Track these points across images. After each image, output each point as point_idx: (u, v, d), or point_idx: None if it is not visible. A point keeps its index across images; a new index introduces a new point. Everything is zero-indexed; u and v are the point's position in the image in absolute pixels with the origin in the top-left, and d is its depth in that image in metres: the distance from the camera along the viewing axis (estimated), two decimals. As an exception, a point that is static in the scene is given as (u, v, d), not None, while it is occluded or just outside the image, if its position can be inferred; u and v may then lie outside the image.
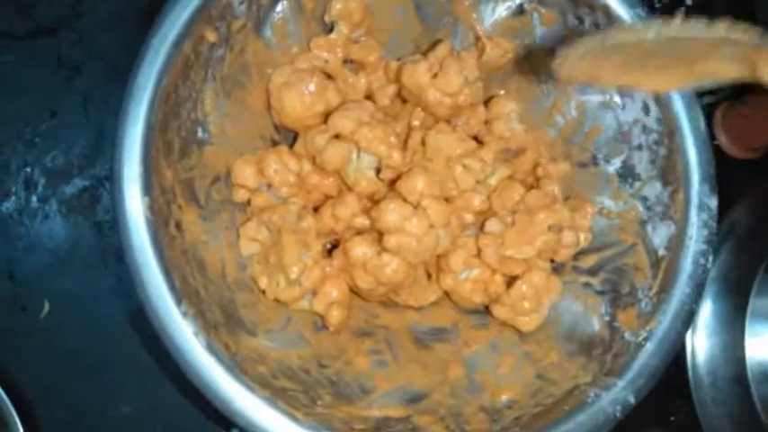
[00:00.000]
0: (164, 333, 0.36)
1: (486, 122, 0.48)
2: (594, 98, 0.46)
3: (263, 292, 0.42)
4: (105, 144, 0.52)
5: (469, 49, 0.47)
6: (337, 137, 0.43)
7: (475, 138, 0.47)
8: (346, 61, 0.46)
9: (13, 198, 0.51)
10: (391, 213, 0.40)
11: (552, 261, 0.46)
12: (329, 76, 0.45)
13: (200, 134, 0.41)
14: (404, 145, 0.45)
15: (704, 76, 0.35)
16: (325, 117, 0.43)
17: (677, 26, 0.34)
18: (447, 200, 0.43)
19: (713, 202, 0.42)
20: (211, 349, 0.36)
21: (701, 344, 0.52)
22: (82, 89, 0.53)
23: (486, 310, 0.46)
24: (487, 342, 0.44)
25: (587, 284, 0.44)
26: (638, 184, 0.44)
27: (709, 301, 0.52)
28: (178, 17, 0.38)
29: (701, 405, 0.51)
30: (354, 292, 0.44)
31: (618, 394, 0.39)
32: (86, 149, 0.52)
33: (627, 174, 0.45)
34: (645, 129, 0.44)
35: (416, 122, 0.47)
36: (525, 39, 0.46)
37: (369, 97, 0.47)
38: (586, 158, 0.47)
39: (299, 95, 0.43)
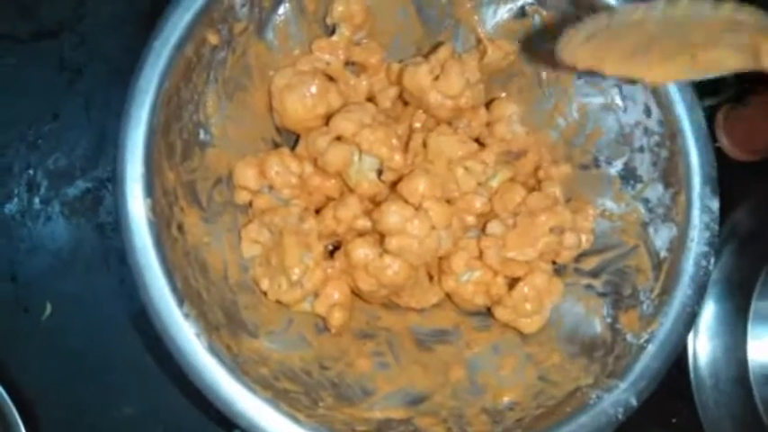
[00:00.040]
0: (165, 334, 0.36)
1: (488, 125, 0.48)
2: (596, 100, 0.46)
3: (265, 293, 0.42)
4: (107, 146, 0.52)
5: (471, 51, 0.47)
6: (339, 139, 0.43)
7: (476, 140, 0.47)
8: (348, 63, 0.47)
9: (16, 200, 0.51)
10: (393, 215, 0.40)
11: (554, 263, 0.46)
12: (331, 79, 0.45)
13: (202, 136, 0.41)
14: (405, 147, 0.45)
15: (708, 65, 0.34)
16: (327, 119, 0.43)
17: (683, 5, 0.34)
18: (448, 202, 0.43)
19: (715, 205, 0.42)
20: (213, 351, 0.36)
21: (702, 346, 0.52)
22: (84, 92, 0.53)
23: (487, 312, 0.46)
24: (489, 344, 0.44)
25: (589, 286, 0.44)
26: (639, 186, 0.45)
27: (711, 303, 0.52)
28: (180, 20, 0.38)
29: (702, 407, 0.51)
30: (356, 293, 0.44)
31: (620, 396, 0.39)
32: (89, 151, 0.52)
33: (628, 176, 0.45)
34: (646, 131, 0.44)
35: (418, 125, 0.47)
36: (527, 41, 0.46)
37: (370, 99, 0.47)
38: (588, 160, 0.47)
39: (300, 98, 0.43)
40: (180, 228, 0.39)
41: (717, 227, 0.42)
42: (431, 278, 0.46)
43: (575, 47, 0.37)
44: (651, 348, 0.40)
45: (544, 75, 0.47)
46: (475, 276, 0.44)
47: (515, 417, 0.40)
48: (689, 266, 0.41)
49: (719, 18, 0.33)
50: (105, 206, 0.52)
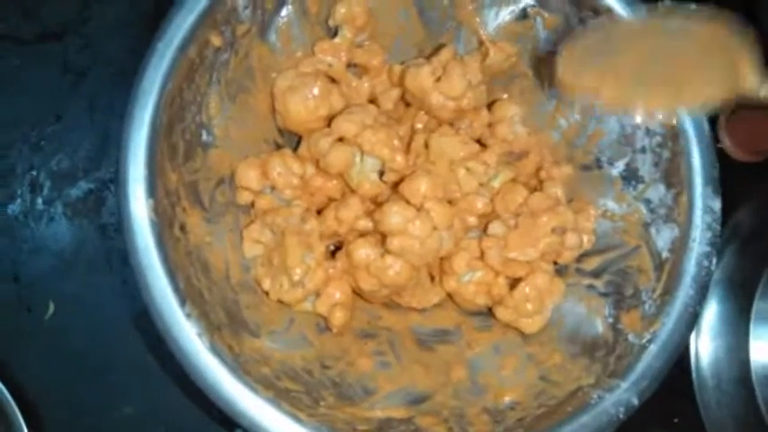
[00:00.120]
0: (167, 334, 0.36)
1: (490, 126, 0.48)
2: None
3: (267, 293, 0.42)
4: (110, 147, 0.52)
5: (473, 53, 0.47)
6: (341, 140, 0.43)
7: (478, 141, 0.47)
8: (350, 65, 0.47)
9: (19, 201, 0.52)
10: (394, 216, 0.40)
11: (555, 263, 0.46)
12: (333, 80, 0.45)
13: (204, 137, 0.41)
14: (407, 148, 0.45)
15: (694, 98, 0.35)
16: (329, 120, 0.44)
17: (663, 11, 0.35)
18: (450, 202, 0.43)
19: (717, 205, 0.42)
20: (215, 350, 0.36)
21: (705, 346, 0.52)
22: (87, 93, 0.53)
23: (489, 312, 0.46)
24: (490, 344, 0.44)
25: (591, 286, 0.44)
26: (641, 186, 0.45)
27: (714, 303, 0.52)
28: (183, 22, 0.38)
29: (704, 407, 0.51)
30: (357, 293, 0.44)
31: (621, 396, 0.39)
32: (91, 153, 0.53)
33: (630, 176, 0.45)
34: (648, 131, 0.44)
35: (419, 126, 0.47)
36: (528, 43, 0.47)
37: (372, 101, 0.47)
38: (590, 161, 0.47)
39: (303, 99, 0.43)
40: (182, 228, 0.39)
41: (719, 227, 0.42)
42: (432, 278, 0.46)
43: (574, 71, 0.38)
44: (653, 348, 0.40)
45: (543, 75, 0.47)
46: (476, 277, 0.44)
47: (516, 416, 0.40)
48: (691, 267, 0.41)
49: (699, 40, 0.34)
50: (108, 207, 0.52)
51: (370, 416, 0.39)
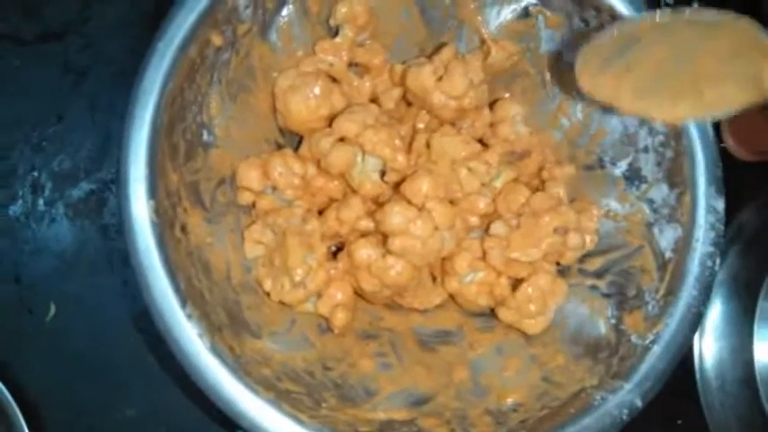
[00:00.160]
0: (168, 335, 0.36)
1: (491, 125, 0.48)
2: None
3: (268, 294, 0.42)
4: (112, 148, 0.52)
5: (474, 52, 0.47)
6: (342, 140, 0.43)
7: (480, 140, 0.47)
8: (351, 65, 0.47)
9: (20, 201, 0.52)
10: (396, 216, 0.40)
11: (558, 264, 0.46)
12: (334, 80, 0.45)
13: (205, 137, 0.41)
14: (408, 148, 0.45)
15: (715, 103, 0.35)
16: (330, 120, 0.43)
17: (686, 19, 0.35)
18: (452, 202, 0.43)
19: (720, 205, 0.42)
20: (216, 351, 0.36)
21: (708, 347, 0.51)
22: (89, 94, 0.53)
23: (491, 313, 0.46)
24: (493, 345, 0.44)
25: (593, 287, 0.44)
26: (644, 186, 0.44)
27: (718, 303, 0.51)
28: (184, 21, 0.38)
29: (708, 408, 0.51)
30: (359, 294, 0.44)
31: (624, 397, 0.39)
32: (93, 153, 0.52)
33: (633, 176, 0.45)
34: (651, 131, 0.44)
35: (421, 125, 0.47)
36: (530, 42, 0.46)
37: (374, 100, 0.47)
38: (592, 161, 0.47)
39: (304, 99, 0.43)
40: (183, 229, 0.39)
41: (722, 227, 0.41)
42: (434, 279, 0.46)
43: (592, 75, 0.37)
44: (656, 349, 0.40)
45: (548, 76, 0.47)
46: (478, 277, 0.44)
47: (519, 418, 0.39)
48: (694, 267, 0.41)
49: (722, 41, 0.34)
50: (109, 208, 0.52)
51: (371, 417, 0.39)
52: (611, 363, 0.40)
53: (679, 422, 0.52)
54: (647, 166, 0.44)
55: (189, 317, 0.36)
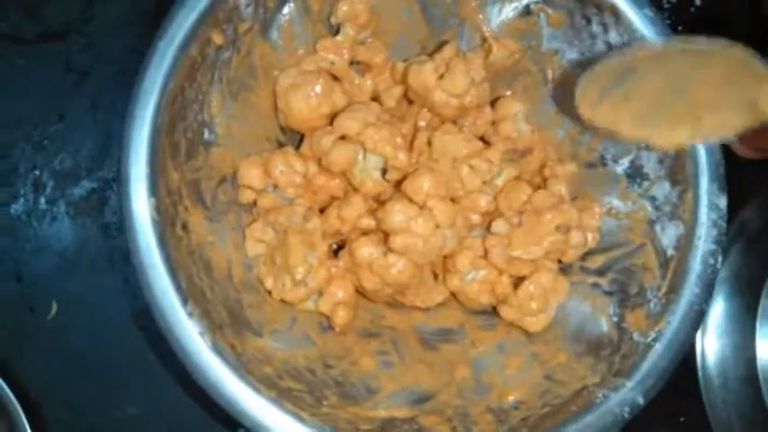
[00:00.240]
0: (169, 333, 0.36)
1: (493, 123, 0.48)
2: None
3: (269, 292, 0.42)
4: (113, 147, 0.52)
5: (476, 50, 0.47)
6: (343, 138, 0.43)
7: (481, 138, 0.46)
8: (352, 63, 0.47)
9: (22, 200, 0.52)
10: (397, 214, 0.40)
11: (560, 261, 0.45)
12: (335, 78, 0.45)
13: (206, 136, 0.41)
14: (410, 146, 0.45)
15: (714, 128, 0.36)
16: (332, 118, 0.43)
17: (678, 47, 0.36)
18: (453, 200, 0.43)
19: (722, 202, 0.41)
20: (217, 350, 0.36)
21: (711, 345, 0.51)
22: (90, 93, 0.53)
23: (493, 311, 0.46)
24: (494, 343, 0.44)
25: (595, 285, 0.44)
26: (646, 183, 0.44)
27: (720, 301, 0.51)
28: (185, 20, 0.38)
29: (710, 406, 0.50)
30: (360, 292, 0.44)
31: (626, 395, 0.38)
32: (94, 152, 0.53)
33: (635, 174, 0.45)
34: (653, 129, 0.44)
35: (422, 123, 0.47)
36: (532, 40, 0.46)
37: (375, 99, 0.47)
38: (594, 159, 0.46)
39: (305, 97, 0.43)
40: (184, 227, 0.39)
41: (725, 224, 0.41)
42: (436, 277, 0.46)
43: (592, 104, 0.38)
44: (658, 347, 0.39)
45: (549, 73, 0.47)
46: (480, 275, 0.44)
47: (521, 416, 0.39)
48: (696, 265, 0.41)
49: (716, 69, 0.34)
50: (110, 206, 0.52)
51: (373, 415, 0.39)
52: (613, 360, 0.40)
53: (681, 420, 0.52)
54: (649, 163, 0.44)
55: (190, 315, 0.36)
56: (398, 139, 0.43)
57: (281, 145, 0.46)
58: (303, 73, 0.44)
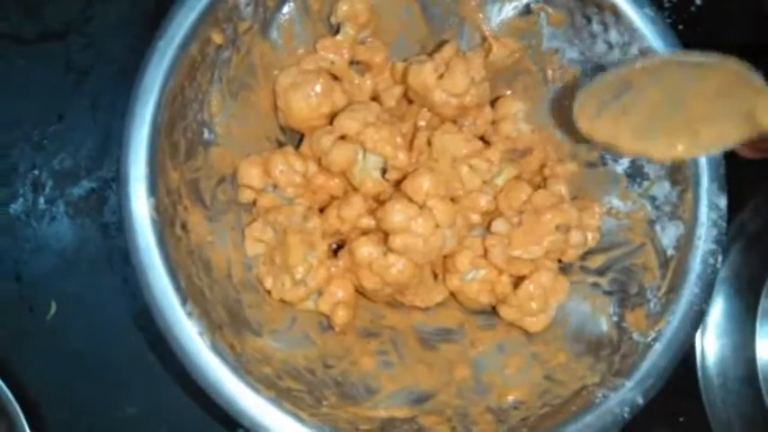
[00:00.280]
0: (169, 333, 0.36)
1: (493, 123, 0.48)
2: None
3: (269, 292, 0.42)
4: (112, 146, 0.52)
5: (476, 49, 0.47)
6: (343, 138, 0.43)
7: (481, 138, 0.46)
8: (352, 62, 0.46)
9: (21, 200, 0.52)
10: (397, 214, 0.40)
11: (560, 261, 0.45)
12: (335, 78, 0.45)
13: (206, 135, 0.41)
14: (410, 145, 0.45)
15: (711, 140, 0.36)
16: (331, 118, 0.43)
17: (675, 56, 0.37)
18: (453, 200, 0.43)
19: (722, 202, 0.41)
20: (216, 349, 0.36)
21: (710, 344, 0.51)
22: (90, 92, 0.53)
23: (492, 311, 0.46)
24: (494, 343, 0.44)
25: (595, 285, 0.44)
26: (646, 183, 0.44)
27: (720, 301, 0.51)
28: (184, 19, 0.38)
29: (710, 406, 0.50)
30: (360, 292, 0.44)
31: (626, 395, 0.38)
32: (93, 152, 0.52)
33: (635, 173, 0.45)
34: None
35: (422, 123, 0.46)
36: (532, 39, 0.46)
37: (375, 98, 0.47)
38: (594, 158, 0.46)
39: (305, 97, 0.43)
40: (183, 226, 0.39)
41: (724, 224, 0.41)
42: (435, 277, 0.46)
43: (590, 118, 0.39)
44: (658, 347, 0.39)
45: (550, 73, 0.47)
46: (480, 275, 0.44)
47: (520, 416, 0.39)
48: (696, 264, 0.41)
49: (712, 82, 0.35)
50: (110, 206, 0.52)
51: (372, 415, 0.39)
52: (613, 360, 0.40)
53: (681, 420, 0.52)
54: (649, 163, 0.44)
55: (189, 315, 0.36)
56: (398, 139, 0.43)
57: (280, 145, 0.46)
58: (303, 72, 0.44)
